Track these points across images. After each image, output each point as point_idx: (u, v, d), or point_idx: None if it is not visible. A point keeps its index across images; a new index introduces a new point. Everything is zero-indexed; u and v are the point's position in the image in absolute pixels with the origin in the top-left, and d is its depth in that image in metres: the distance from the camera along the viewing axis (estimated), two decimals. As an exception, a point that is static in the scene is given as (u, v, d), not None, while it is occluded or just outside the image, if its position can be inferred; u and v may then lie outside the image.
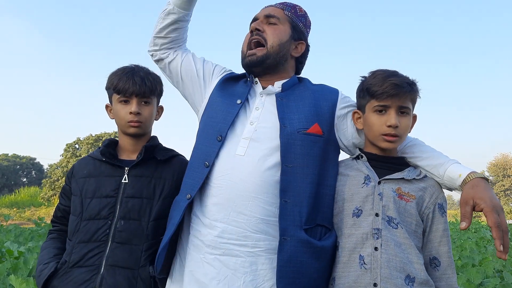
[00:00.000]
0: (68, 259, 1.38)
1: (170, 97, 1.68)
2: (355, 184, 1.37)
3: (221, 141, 1.33)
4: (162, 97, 1.60)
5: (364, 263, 1.27)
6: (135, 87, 1.44)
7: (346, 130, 1.46)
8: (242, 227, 1.27)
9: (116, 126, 1.55)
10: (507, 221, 1.22)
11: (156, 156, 1.49)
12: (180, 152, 1.60)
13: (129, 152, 1.52)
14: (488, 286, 3.42)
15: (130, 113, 1.44)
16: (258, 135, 1.34)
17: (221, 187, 1.29)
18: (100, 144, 1.60)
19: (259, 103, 1.41)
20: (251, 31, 1.47)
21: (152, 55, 1.57)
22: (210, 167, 1.32)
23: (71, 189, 1.49)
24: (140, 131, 1.49)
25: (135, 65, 1.52)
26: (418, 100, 1.39)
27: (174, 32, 1.52)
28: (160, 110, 1.60)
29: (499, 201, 1.22)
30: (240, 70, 1.56)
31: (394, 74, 1.35)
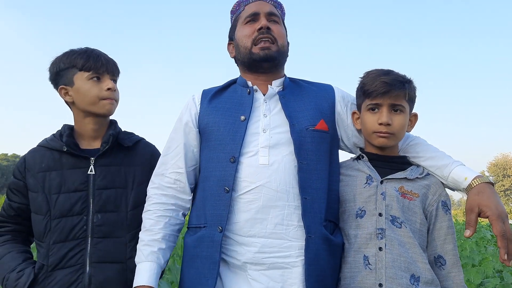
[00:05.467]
0: (46, 263, 1.29)
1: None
2: (357, 184, 1.36)
3: (235, 162, 1.27)
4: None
5: (369, 264, 1.27)
6: (109, 65, 1.38)
7: (348, 127, 1.46)
8: (283, 237, 1.23)
9: (73, 111, 1.43)
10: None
11: (121, 143, 1.41)
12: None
13: (89, 139, 1.41)
14: (488, 286, 3.42)
15: (108, 89, 1.36)
16: (274, 141, 1.30)
17: (252, 202, 1.24)
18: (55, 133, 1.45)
19: (266, 109, 1.36)
20: (259, 29, 1.38)
21: None
22: (232, 187, 1.26)
23: (27, 185, 1.36)
24: (113, 110, 1.41)
25: (89, 48, 1.43)
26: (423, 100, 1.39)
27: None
28: None
29: (504, 207, 1.20)
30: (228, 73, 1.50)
31: (387, 72, 1.35)
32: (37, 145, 1.42)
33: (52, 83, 1.43)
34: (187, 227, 1.39)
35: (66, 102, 1.43)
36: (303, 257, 1.23)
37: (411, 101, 1.37)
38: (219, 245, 1.23)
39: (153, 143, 1.56)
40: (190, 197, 1.41)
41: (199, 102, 1.44)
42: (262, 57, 1.38)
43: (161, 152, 1.48)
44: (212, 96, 1.43)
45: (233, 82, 1.48)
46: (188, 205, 1.40)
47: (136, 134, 1.52)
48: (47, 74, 1.43)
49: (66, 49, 1.43)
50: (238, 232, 1.25)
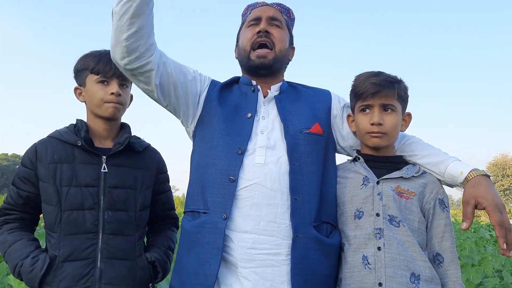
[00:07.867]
0: (57, 253, 1.30)
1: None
2: (354, 186, 1.38)
3: (242, 154, 1.31)
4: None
5: (368, 263, 1.28)
6: (118, 69, 1.38)
7: (343, 130, 1.48)
8: (274, 235, 1.26)
9: (86, 110, 1.47)
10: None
11: (132, 146, 1.45)
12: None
13: (101, 137, 1.45)
14: (487, 286, 3.42)
15: (112, 93, 1.39)
16: (271, 143, 1.34)
17: (247, 198, 1.28)
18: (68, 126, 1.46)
19: (265, 112, 1.41)
20: (258, 32, 1.43)
21: (133, 65, 1.28)
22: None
23: (38, 175, 1.36)
24: (118, 114, 1.44)
25: (105, 50, 1.46)
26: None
27: (145, 24, 1.23)
28: (131, 98, 1.55)
29: (501, 198, 1.21)
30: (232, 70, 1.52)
31: (376, 74, 1.38)
32: (47, 136, 1.43)
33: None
34: (184, 211, 1.41)
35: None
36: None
37: (403, 100, 1.39)
38: (222, 231, 1.25)
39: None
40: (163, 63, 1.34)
41: (208, 86, 1.47)
42: (257, 65, 1.43)
43: (165, 160, 1.55)
44: (219, 89, 1.46)
45: (235, 81, 1.51)
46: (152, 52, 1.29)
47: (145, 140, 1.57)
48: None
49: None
50: (233, 227, 1.27)
